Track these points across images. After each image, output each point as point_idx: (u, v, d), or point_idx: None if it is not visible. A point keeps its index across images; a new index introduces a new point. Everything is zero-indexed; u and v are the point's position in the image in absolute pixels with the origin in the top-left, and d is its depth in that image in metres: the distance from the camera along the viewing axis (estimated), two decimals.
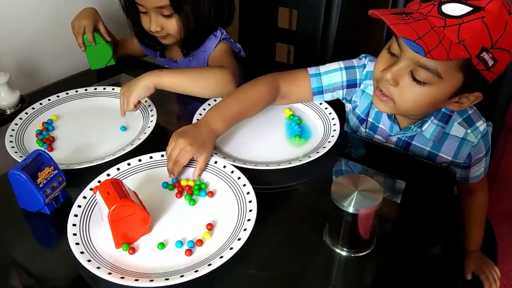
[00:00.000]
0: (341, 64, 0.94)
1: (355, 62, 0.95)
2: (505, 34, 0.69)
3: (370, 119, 0.95)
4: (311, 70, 0.96)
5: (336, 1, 1.26)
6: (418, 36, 0.68)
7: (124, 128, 0.95)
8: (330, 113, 0.96)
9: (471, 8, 0.69)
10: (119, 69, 1.20)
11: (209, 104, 1.00)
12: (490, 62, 0.70)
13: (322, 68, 0.95)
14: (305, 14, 1.32)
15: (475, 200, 1.03)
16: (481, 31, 0.68)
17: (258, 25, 1.42)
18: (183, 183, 0.80)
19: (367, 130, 0.96)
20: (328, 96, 0.97)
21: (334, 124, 0.92)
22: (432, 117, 0.86)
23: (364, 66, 0.93)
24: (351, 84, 0.94)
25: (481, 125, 0.87)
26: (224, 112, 0.87)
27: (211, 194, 0.77)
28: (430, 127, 0.87)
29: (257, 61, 1.46)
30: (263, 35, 1.43)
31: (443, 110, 0.86)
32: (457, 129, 0.87)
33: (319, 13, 1.29)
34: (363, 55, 0.95)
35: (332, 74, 0.94)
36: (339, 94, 0.97)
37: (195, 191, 0.78)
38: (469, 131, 0.86)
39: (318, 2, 1.28)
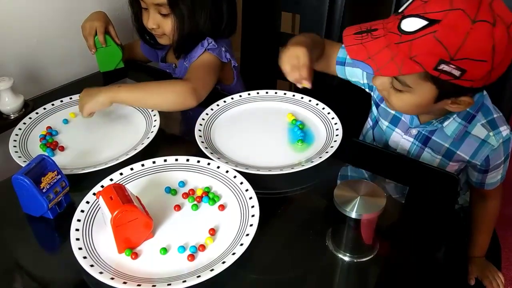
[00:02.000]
0: None
1: None
2: (466, 44, 0.67)
3: (392, 111, 0.95)
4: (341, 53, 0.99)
5: (339, 5, 1.26)
6: (369, 55, 0.73)
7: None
8: (332, 118, 0.96)
9: (426, 22, 0.68)
10: (123, 74, 1.20)
11: (211, 109, 1.00)
12: (456, 72, 0.69)
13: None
14: (308, 19, 1.33)
15: (486, 207, 1.02)
16: (434, 46, 0.68)
17: (261, 29, 1.43)
18: (198, 192, 0.79)
19: (386, 122, 0.97)
20: (348, 71, 0.98)
21: (337, 129, 0.92)
22: (455, 115, 0.86)
23: None
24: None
25: (505, 130, 0.86)
26: (307, 41, 0.90)
27: (222, 207, 0.76)
28: (451, 125, 0.87)
29: (260, 65, 1.47)
30: (266, 39, 1.43)
31: (467, 109, 0.85)
32: (479, 130, 0.86)
33: (322, 17, 1.29)
34: None
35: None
36: (358, 74, 0.98)
37: (209, 201, 0.77)
38: (491, 133, 0.86)
39: (320, 7, 1.28)
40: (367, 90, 1.01)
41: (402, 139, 0.95)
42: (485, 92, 0.87)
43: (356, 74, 0.98)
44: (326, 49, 0.99)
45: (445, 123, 0.87)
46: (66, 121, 1.00)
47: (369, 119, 1.06)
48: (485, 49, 0.68)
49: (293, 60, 0.85)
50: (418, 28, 0.69)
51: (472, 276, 1.04)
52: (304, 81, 0.85)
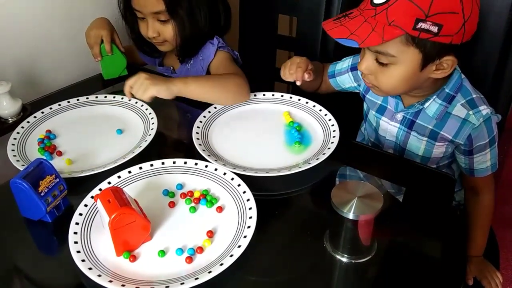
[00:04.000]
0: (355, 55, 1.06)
1: None
2: (436, 0, 0.73)
3: (378, 101, 1.00)
4: (334, 62, 1.10)
5: (336, 8, 1.26)
6: (351, 32, 0.78)
7: (120, 131, 0.95)
8: (329, 120, 0.96)
9: None
10: (120, 77, 1.20)
11: (209, 112, 1.00)
12: (434, 28, 0.75)
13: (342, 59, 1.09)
14: (305, 21, 1.33)
15: (479, 201, 1.02)
16: (407, 7, 0.74)
17: (258, 32, 1.43)
18: (196, 194, 0.79)
19: (375, 112, 1.01)
20: (340, 80, 1.08)
21: (334, 131, 0.93)
22: (435, 96, 0.90)
23: None
24: (355, 67, 1.02)
25: (484, 109, 0.88)
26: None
27: (220, 209, 0.77)
28: (432, 106, 0.91)
29: (258, 68, 1.47)
30: (263, 42, 1.44)
31: (446, 90, 0.89)
32: (459, 110, 0.90)
33: (318, 19, 1.29)
34: None
35: (344, 61, 1.08)
36: (346, 78, 1.07)
37: (207, 203, 0.77)
38: (470, 112, 0.88)
39: (317, 9, 1.28)
40: (358, 90, 1.06)
41: (389, 125, 0.99)
42: (463, 76, 0.91)
43: (346, 80, 1.07)
44: (324, 73, 1.12)
45: (426, 104, 0.91)
46: (61, 126, 1.00)
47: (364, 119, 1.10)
48: (453, 1, 0.75)
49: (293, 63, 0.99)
50: None
51: (471, 276, 1.04)
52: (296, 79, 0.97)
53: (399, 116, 0.96)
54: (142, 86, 0.94)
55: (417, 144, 0.96)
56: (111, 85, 1.19)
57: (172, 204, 0.78)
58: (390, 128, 0.99)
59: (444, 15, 0.74)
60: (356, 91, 1.07)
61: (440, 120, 0.91)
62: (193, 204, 0.77)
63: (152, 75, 0.96)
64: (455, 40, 0.77)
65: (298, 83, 0.99)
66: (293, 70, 0.99)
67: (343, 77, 1.08)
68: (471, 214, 1.04)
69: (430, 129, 0.93)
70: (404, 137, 0.97)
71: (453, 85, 0.89)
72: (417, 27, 0.75)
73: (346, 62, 1.07)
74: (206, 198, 0.78)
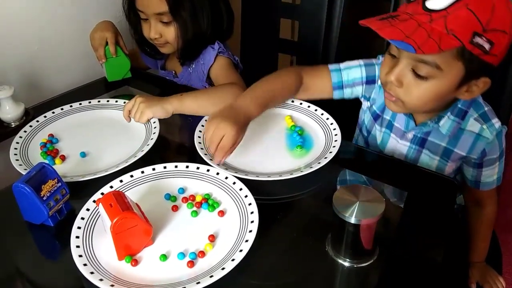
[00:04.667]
0: (360, 61, 0.97)
1: (373, 60, 0.97)
2: (494, 16, 0.70)
3: (386, 117, 0.95)
4: (332, 66, 0.98)
5: (337, 12, 1.27)
6: (406, 35, 0.71)
7: (83, 154, 0.92)
8: (331, 124, 0.96)
9: None
10: (123, 81, 1.21)
11: None
12: (487, 46, 0.71)
13: (343, 65, 0.98)
14: (307, 25, 1.34)
15: (483, 214, 1.01)
16: (468, 18, 0.70)
17: (260, 36, 1.44)
18: (198, 198, 0.79)
19: (382, 128, 0.96)
20: (348, 92, 0.98)
21: (336, 135, 0.93)
22: (449, 113, 0.86)
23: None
24: (370, 80, 0.96)
25: (497, 122, 0.87)
26: (257, 98, 0.90)
27: (222, 213, 0.77)
28: (446, 123, 0.87)
29: (259, 72, 1.47)
30: (265, 46, 1.44)
31: (459, 105, 0.86)
32: (472, 124, 0.87)
33: (320, 23, 1.30)
34: (380, 55, 0.96)
35: (352, 69, 0.97)
36: (358, 91, 0.98)
37: (209, 207, 0.77)
38: (484, 126, 0.86)
39: (319, 13, 1.29)
40: (361, 99, 1.01)
41: (398, 144, 0.95)
42: None
43: (356, 92, 0.99)
44: (311, 80, 0.99)
45: (441, 122, 0.87)
46: (64, 130, 1.00)
47: (357, 128, 1.05)
48: (506, 19, 0.71)
49: (216, 138, 0.82)
50: (448, 4, 0.71)
51: (473, 280, 1.04)
52: (216, 160, 0.84)
53: (410, 135, 0.92)
54: (139, 110, 0.96)
55: (428, 163, 0.92)
56: (113, 89, 1.19)
57: (174, 208, 0.78)
58: (399, 147, 0.95)
59: (497, 33, 0.71)
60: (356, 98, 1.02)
61: (453, 137, 0.88)
62: (194, 208, 0.78)
63: (148, 97, 0.98)
64: (496, 61, 0.74)
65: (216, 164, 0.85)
66: (213, 150, 0.83)
67: (354, 89, 0.98)
68: (474, 225, 1.03)
69: (444, 146, 0.90)
70: (415, 155, 0.94)
71: (466, 100, 0.85)
72: (473, 40, 0.70)
73: (357, 72, 0.97)
74: (208, 202, 0.78)
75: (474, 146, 0.88)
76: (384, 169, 0.90)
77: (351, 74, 0.97)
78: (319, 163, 0.85)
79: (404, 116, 0.91)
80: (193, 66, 1.14)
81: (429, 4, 0.72)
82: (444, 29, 0.71)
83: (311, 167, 0.84)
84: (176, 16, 1.04)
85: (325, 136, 0.95)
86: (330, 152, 0.88)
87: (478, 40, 0.70)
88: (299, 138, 0.94)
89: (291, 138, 0.95)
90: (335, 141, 0.91)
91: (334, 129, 0.94)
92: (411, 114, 0.91)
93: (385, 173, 0.88)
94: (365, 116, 1.01)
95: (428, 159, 0.92)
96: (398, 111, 0.87)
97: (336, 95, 0.99)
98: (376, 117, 0.97)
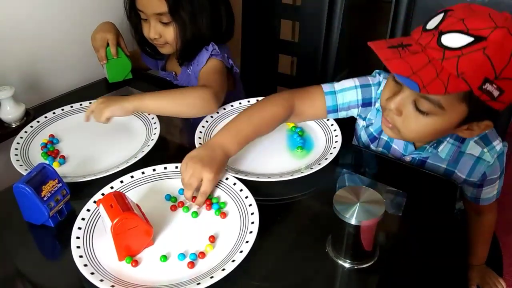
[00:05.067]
0: (356, 81, 0.92)
1: (370, 80, 0.92)
2: (510, 64, 0.66)
3: (384, 138, 0.93)
4: (326, 88, 0.93)
5: (338, 13, 1.27)
6: (413, 71, 0.66)
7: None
8: (332, 125, 0.96)
9: (472, 39, 0.65)
10: (124, 82, 1.21)
11: (211, 117, 1.00)
12: (496, 93, 0.67)
13: (337, 86, 0.93)
14: (307, 26, 1.34)
15: (482, 221, 1.02)
16: (483, 63, 0.65)
17: (261, 37, 1.44)
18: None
19: (379, 148, 0.94)
20: (343, 114, 0.94)
21: (336, 136, 0.93)
22: (448, 137, 0.85)
23: (379, 83, 0.91)
24: (367, 103, 0.92)
25: (498, 144, 0.85)
26: (237, 133, 0.84)
27: (222, 214, 0.76)
28: (445, 147, 0.86)
29: (260, 72, 1.48)
30: (266, 47, 1.44)
31: None
32: (473, 147, 0.85)
33: (321, 24, 1.30)
34: (377, 71, 0.93)
35: (347, 92, 0.92)
36: (353, 112, 0.94)
37: (216, 211, 0.77)
38: (485, 150, 0.85)
39: (319, 14, 1.29)
40: (356, 118, 0.97)
41: None
42: None
43: (351, 113, 0.95)
44: (303, 104, 0.93)
45: (440, 148, 0.86)
46: (64, 130, 1.00)
47: (355, 140, 1.03)
48: None
49: (194, 181, 0.77)
50: (464, 44, 0.66)
51: (473, 282, 1.04)
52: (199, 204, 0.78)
53: (408, 158, 0.90)
54: (98, 110, 0.96)
55: None
56: (114, 89, 1.20)
57: (174, 208, 0.78)
58: None
59: (509, 81, 0.67)
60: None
61: (453, 161, 0.87)
62: (195, 209, 0.78)
63: (109, 97, 0.98)
64: (502, 108, 0.71)
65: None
66: (189, 195, 0.78)
67: (349, 111, 0.94)
68: (474, 230, 1.03)
69: (444, 168, 0.88)
70: None
71: None
72: (483, 87, 0.66)
73: (353, 95, 0.92)
74: (213, 201, 0.78)
75: (474, 169, 0.87)
76: (384, 170, 0.90)
77: (346, 97, 0.92)
78: (319, 164, 0.85)
79: (403, 141, 0.89)
80: (191, 67, 1.14)
81: (445, 41, 0.67)
82: (455, 71, 0.66)
83: (311, 168, 0.84)
84: (175, 17, 1.04)
85: (325, 137, 0.95)
86: (331, 153, 0.88)
87: (488, 87, 0.66)
88: (300, 139, 0.94)
89: (291, 139, 0.95)
90: (336, 142, 0.91)
91: (335, 130, 0.95)
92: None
93: (385, 175, 0.88)
94: (361, 133, 0.98)
95: None
96: (393, 137, 0.85)
97: (331, 117, 0.95)
98: (373, 139, 0.95)
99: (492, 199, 0.94)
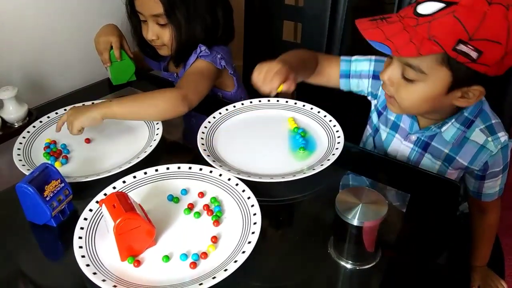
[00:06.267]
0: (372, 56, 0.98)
1: (385, 58, 0.95)
2: (484, 25, 0.69)
3: (391, 117, 0.96)
4: (344, 57, 1.00)
5: (340, 14, 1.27)
6: (386, 37, 0.73)
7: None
8: (334, 126, 0.96)
9: (443, 5, 0.70)
10: (127, 83, 1.21)
11: (214, 117, 1.00)
12: (474, 54, 0.70)
13: (354, 57, 1.00)
14: (310, 27, 1.34)
15: (486, 220, 1.01)
16: (453, 25, 0.69)
17: (263, 38, 1.44)
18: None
19: (387, 129, 0.97)
20: (354, 83, 1.00)
21: (339, 137, 0.93)
22: (453, 120, 0.87)
23: None
24: (377, 76, 0.93)
25: (503, 136, 0.86)
26: (287, 60, 0.92)
27: (217, 223, 0.75)
28: (450, 130, 0.88)
29: None
30: (268, 48, 1.44)
31: (465, 114, 0.86)
32: (478, 135, 0.86)
33: (323, 26, 1.30)
34: None
35: (362, 62, 0.98)
36: (364, 84, 0.99)
37: (213, 217, 0.76)
38: (489, 139, 0.86)
39: (322, 15, 1.29)
40: (369, 98, 1.02)
41: (401, 145, 0.95)
42: (484, 98, 0.87)
43: (362, 84, 1.00)
44: (322, 64, 1.01)
45: (443, 128, 0.88)
46: (66, 131, 1.00)
47: (368, 126, 1.06)
48: (500, 31, 0.69)
49: (270, 73, 0.87)
50: (436, 10, 0.71)
51: (475, 284, 1.04)
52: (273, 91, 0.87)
53: (413, 137, 0.93)
54: (68, 123, 0.94)
55: (430, 167, 0.92)
56: (117, 90, 1.20)
57: (176, 210, 0.78)
58: (402, 148, 0.95)
59: (487, 43, 0.69)
60: (363, 94, 1.03)
61: (457, 145, 0.88)
62: (197, 210, 0.78)
63: (77, 108, 0.95)
64: (490, 72, 0.73)
65: (272, 94, 0.89)
66: (269, 78, 0.87)
67: (360, 81, 1.00)
68: (477, 230, 1.03)
69: (446, 153, 0.90)
70: (417, 158, 0.94)
71: (473, 109, 0.86)
72: (457, 48, 0.70)
73: (366, 65, 0.98)
74: (213, 210, 0.77)
75: (476, 157, 0.88)
76: (386, 171, 0.90)
77: (359, 66, 0.99)
78: (321, 165, 0.85)
79: (409, 118, 0.92)
80: (185, 68, 1.14)
81: (420, 9, 0.73)
82: (426, 34, 0.71)
83: (313, 169, 0.84)
84: (171, 18, 1.05)
85: (328, 138, 0.95)
86: (333, 154, 0.88)
87: (463, 48, 0.70)
88: (302, 140, 0.94)
89: (293, 140, 0.95)
90: (338, 143, 0.91)
91: (337, 131, 0.94)
92: (415, 117, 0.91)
93: (387, 175, 0.88)
94: (373, 116, 1.02)
95: (430, 163, 0.92)
96: (394, 111, 0.89)
97: (343, 84, 1.00)
98: (379, 113, 0.98)
99: (494, 196, 0.95)
